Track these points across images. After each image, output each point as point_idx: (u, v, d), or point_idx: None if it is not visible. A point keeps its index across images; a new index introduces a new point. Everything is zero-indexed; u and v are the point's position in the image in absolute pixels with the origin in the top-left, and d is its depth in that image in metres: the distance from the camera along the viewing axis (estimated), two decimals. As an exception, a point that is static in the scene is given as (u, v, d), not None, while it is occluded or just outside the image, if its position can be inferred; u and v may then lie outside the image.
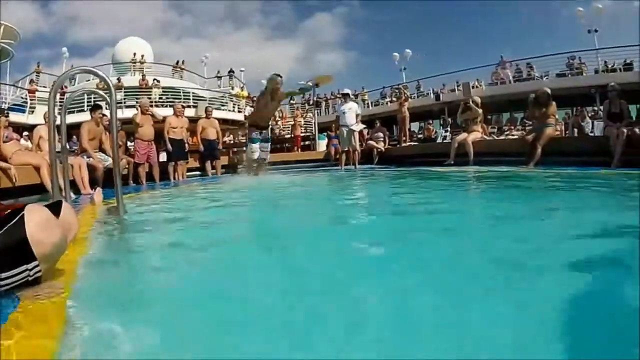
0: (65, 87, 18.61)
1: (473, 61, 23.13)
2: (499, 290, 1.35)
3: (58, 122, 4.62)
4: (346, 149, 10.79)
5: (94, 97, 19.12)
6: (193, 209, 4.19)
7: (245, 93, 24.00)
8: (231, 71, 27.65)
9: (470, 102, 9.72)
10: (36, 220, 1.30)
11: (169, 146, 9.45)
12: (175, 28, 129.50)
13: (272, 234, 2.66)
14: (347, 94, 11.50)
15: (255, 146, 7.83)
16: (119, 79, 21.03)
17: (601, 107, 11.20)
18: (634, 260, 1.53)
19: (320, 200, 5.02)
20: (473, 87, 20.16)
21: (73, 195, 5.55)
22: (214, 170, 10.78)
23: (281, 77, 7.48)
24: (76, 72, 3.70)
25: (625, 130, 6.50)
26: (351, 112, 10.50)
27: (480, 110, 9.57)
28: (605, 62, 19.24)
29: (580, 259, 1.63)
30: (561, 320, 1.07)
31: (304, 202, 4.80)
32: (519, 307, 1.18)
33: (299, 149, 16.06)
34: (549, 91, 8.01)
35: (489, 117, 17.81)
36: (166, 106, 17.84)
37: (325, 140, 13.99)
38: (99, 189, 4.86)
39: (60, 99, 14.88)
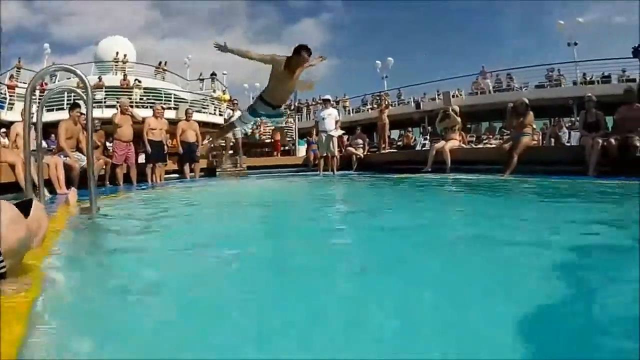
0: (46, 84, 18.39)
1: (454, 70, 23.43)
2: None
3: (35, 119, 4.60)
4: (325, 155, 10.87)
5: (74, 95, 18.95)
6: (165, 211, 4.19)
7: (227, 96, 23.91)
8: (213, 74, 27.51)
9: (450, 110, 9.88)
10: (2, 216, 1.32)
11: (148, 148, 9.36)
12: (160, 28, 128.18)
13: (239, 235, 2.70)
14: (328, 100, 11.76)
15: (251, 119, 6.47)
16: (100, 78, 20.85)
17: (578, 118, 11.47)
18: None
19: (294, 204, 5.10)
20: (453, 96, 20.41)
21: (48, 195, 5.50)
22: (192, 174, 10.72)
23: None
24: (54, 70, 3.65)
25: (600, 140, 6.63)
26: (331, 118, 10.70)
27: (458, 119, 9.74)
28: (584, 74, 19.69)
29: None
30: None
31: (272, 206, 4.90)
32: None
33: (279, 154, 16.06)
34: (527, 101, 8.17)
35: (469, 126, 18.07)
36: (147, 107, 17.69)
37: (305, 146, 14.03)
38: (73, 189, 4.82)
39: (40, 95, 14.74)
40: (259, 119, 7.01)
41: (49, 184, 6.12)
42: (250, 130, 18.21)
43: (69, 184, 6.70)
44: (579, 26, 21.94)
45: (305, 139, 13.95)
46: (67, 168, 6.96)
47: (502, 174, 7.38)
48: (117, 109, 9.70)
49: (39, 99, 13.34)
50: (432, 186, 6.47)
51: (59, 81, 22.61)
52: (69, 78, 22.57)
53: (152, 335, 1.08)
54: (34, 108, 5.19)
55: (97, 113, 16.37)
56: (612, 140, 6.53)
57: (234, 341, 1.04)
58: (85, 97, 3.41)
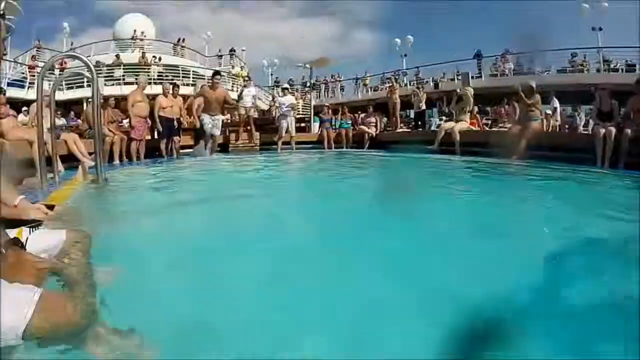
0: (65, 62, 18.61)
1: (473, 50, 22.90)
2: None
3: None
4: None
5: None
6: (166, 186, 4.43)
7: (244, 72, 23.94)
8: (232, 50, 27.53)
9: (464, 92, 9.87)
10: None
11: (159, 126, 9.55)
12: None
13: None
14: (286, 88, 13.78)
15: None
16: (117, 56, 20.92)
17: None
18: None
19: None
20: (472, 77, 20.11)
21: (62, 169, 5.77)
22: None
23: None
24: (60, 57, 3.83)
25: (613, 130, 6.52)
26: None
27: (471, 100, 9.70)
28: (608, 61, 19.12)
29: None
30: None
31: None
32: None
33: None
34: (533, 84, 8.08)
35: (487, 108, 17.87)
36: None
37: (318, 123, 14.08)
38: (83, 163, 5.04)
39: (60, 74, 15.05)
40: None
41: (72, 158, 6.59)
42: (267, 107, 18.31)
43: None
44: (603, 12, 21.12)
45: (319, 117, 13.91)
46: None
47: (510, 159, 7.30)
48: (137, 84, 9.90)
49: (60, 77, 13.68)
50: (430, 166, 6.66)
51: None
52: (89, 56, 22.87)
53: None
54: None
55: (116, 90, 16.70)
56: (629, 131, 6.34)
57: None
58: (92, 77, 3.54)
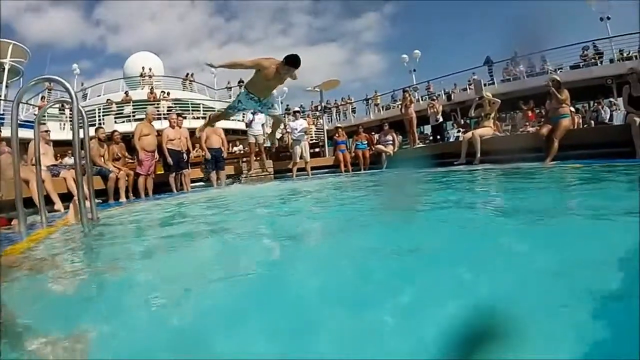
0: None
1: (480, 58, 22.51)
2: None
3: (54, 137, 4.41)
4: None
5: (104, 112, 19.32)
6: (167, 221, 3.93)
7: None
8: (241, 81, 27.52)
9: (484, 97, 9.38)
10: None
11: (169, 159, 9.18)
12: (221, 33, 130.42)
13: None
14: (298, 112, 13.75)
15: (236, 107, 6.30)
16: (127, 93, 21.20)
17: (619, 99, 10.61)
18: None
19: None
20: (485, 84, 19.63)
21: (62, 209, 5.47)
22: (218, 180, 10.49)
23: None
24: (38, 81, 3.54)
25: None
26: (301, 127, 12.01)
27: (494, 105, 9.19)
28: (621, 50, 18.54)
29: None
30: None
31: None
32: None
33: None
34: (558, 78, 7.58)
35: (503, 115, 17.32)
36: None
37: (333, 147, 13.65)
38: (73, 201, 4.65)
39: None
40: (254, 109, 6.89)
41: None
42: (280, 135, 18.01)
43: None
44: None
45: (333, 140, 13.50)
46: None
47: (544, 162, 6.78)
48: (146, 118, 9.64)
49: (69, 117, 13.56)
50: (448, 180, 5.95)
51: (89, 99, 23.11)
52: (99, 95, 23.11)
53: None
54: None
55: (127, 127, 16.60)
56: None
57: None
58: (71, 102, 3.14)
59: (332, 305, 1.24)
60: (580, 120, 12.24)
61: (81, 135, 3.71)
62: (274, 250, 2.26)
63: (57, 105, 19.16)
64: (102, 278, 1.81)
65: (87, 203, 3.97)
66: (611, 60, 18.35)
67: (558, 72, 18.71)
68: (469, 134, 8.88)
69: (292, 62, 5.13)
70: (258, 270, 1.75)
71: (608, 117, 12.64)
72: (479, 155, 8.40)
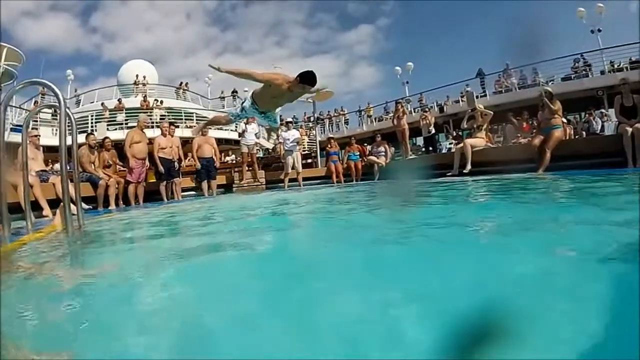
0: (67, 108, 18.65)
1: (472, 71, 22.69)
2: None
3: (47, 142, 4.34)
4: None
5: (96, 119, 19.23)
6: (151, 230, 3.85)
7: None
8: (234, 91, 27.56)
9: (477, 108, 9.42)
10: None
11: (160, 167, 9.11)
12: (217, 42, 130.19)
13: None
14: (290, 122, 13.49)
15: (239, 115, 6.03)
16: (119, 100, 21.17)
17: (609, 111, 10.67)
18: None
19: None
20: (477, 96, 19.75)
21: (50, 215, 5.44)
22: (210, 190, 10.43)
23: None
24: (25, 84, 3.48)
25: None
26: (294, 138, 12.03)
27: (483, 117, 9.22)
28: (612, 61, 18.76)
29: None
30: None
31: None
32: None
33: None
34: (550, 89, 7.68)
35: (495, 127, 17.38)
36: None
37: (325, 158, 13.64)
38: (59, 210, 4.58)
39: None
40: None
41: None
42: (272, 146, 17.97)
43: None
44: (599, 11, 20.73)
45: (325, 151, 13.48)
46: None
47: (536, 172, 6.84)
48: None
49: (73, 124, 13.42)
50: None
51: (82, 105, 23.04)
52: (92, 102, 23.02)
53: None
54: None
55: (119, 134, 16.51)
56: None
57: None
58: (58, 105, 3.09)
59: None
60: (572, 132, 12.30)
61: (69, 141, 3.65)
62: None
63: (49, 111, 19.11)
64: (74, 285, 1.76)
65: (74, 209, 3.92)
66: (602, 72, 18.55)
67: (550, 83, 18.88)
68: (461, 145, 8.90)
69: (308, 79, 4.79)
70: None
71: (599, 127, 12.75)
72: (469, 163, 8.41)
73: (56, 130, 18.51)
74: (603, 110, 15.84)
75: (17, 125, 17.78)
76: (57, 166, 12.78)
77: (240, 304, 1.31)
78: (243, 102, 5.65)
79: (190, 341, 1.07)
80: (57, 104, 3.23)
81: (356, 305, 1.21)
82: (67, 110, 3.42)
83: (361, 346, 0.99)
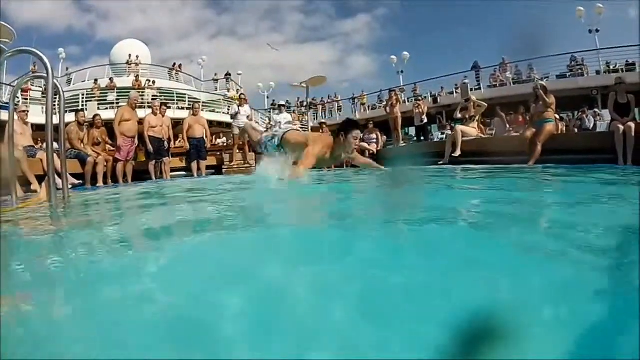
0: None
1: (468, 63, 22.60)
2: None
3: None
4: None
5: (87, 98, 19.02)
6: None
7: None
8: (228, 74, 27.34)
9: (470, 99, 9.42)
10: None
11: (149, 146, 9.06)
12: (212, 25, 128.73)
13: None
14: (283, 105, 14.20)
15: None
16: (111, 80, 20.90)
17: (603, 111, 10.74)
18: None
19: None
20: (472, 89, 19.76)
21: (38, 190, 5.36)
22: (199, 171, 10.38)
23: None
24: (14, 53, 3.38)
25: (632, 125, 6.21)
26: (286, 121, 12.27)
27: (476, 109, 9.22)
28: (607, 62, 18.85)
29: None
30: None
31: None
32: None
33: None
34: (544, 84, 7.70)
35: (488, 120, 17.42)
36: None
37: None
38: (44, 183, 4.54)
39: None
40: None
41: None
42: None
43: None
44: (599, 12, 20.79)
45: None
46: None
47: (527, 164, 6.83)
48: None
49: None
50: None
51: (73, 84, 22.76)
52: (84, 81, 22.74)
53: None
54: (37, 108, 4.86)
55: (110, 114, 16.33)
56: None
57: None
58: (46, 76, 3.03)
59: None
60: (564, 128, 12.36)
61: (56, 119, 3.59)
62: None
63: (39, 89, 18.88)
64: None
65: (60, 182, 3.88)
66: (597, 72, 18.64)
67: (544, 80, 18.94)
68: (453, 133, 8.92)
69: (351, 125, 4.55)
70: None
71: (592, 126, 12.81)
72: (459, 149, 8.43)
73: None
74: (596, 110, 15.93)
75: (5, 103, 17.63)
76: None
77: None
78: (268, 141, 5.27)
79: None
80: (43, 75, 3.16)
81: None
82: (56, 81, 3.35)
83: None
